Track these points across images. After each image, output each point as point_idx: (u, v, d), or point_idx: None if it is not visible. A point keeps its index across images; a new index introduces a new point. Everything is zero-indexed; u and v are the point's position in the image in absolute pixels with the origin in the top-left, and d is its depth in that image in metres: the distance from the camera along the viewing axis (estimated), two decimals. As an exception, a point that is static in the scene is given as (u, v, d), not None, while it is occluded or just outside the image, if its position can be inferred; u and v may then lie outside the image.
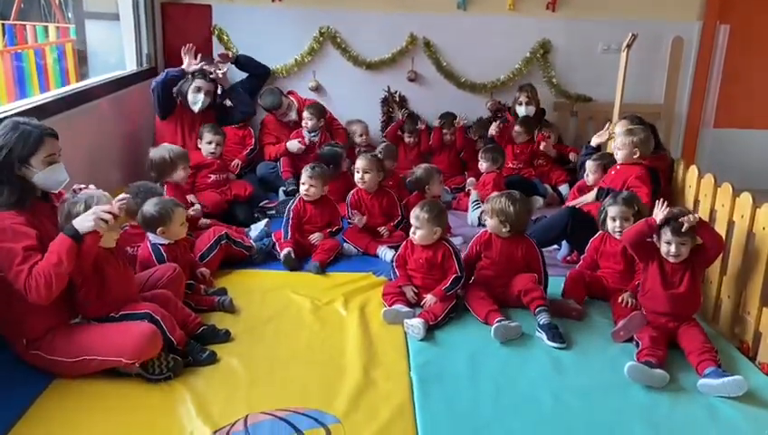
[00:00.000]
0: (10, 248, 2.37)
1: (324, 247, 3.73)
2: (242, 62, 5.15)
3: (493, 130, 5.15)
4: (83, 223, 2.43)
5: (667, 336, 2.87)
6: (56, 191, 2.63)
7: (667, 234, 2.90)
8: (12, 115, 3.06)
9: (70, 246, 2.39)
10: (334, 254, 3.76)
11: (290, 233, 3.75)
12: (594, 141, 4.45)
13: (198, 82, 4.57)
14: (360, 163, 3.96)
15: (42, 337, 2.51)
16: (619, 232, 3.28)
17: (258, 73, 5.23)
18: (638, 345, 2.83)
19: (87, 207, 2.50)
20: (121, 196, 2.61)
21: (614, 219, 3.32)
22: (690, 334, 2.85)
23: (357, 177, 3.97)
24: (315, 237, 3.78)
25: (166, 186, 3.72)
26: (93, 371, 2.50)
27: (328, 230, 3.87)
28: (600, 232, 3.45)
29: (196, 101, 4.55)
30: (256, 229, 3.95)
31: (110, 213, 2.44)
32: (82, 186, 2.79)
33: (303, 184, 3.83)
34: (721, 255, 3.26)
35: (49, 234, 2.47)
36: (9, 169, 2.44)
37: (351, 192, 4.05)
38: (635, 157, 3.77)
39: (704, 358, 2.71)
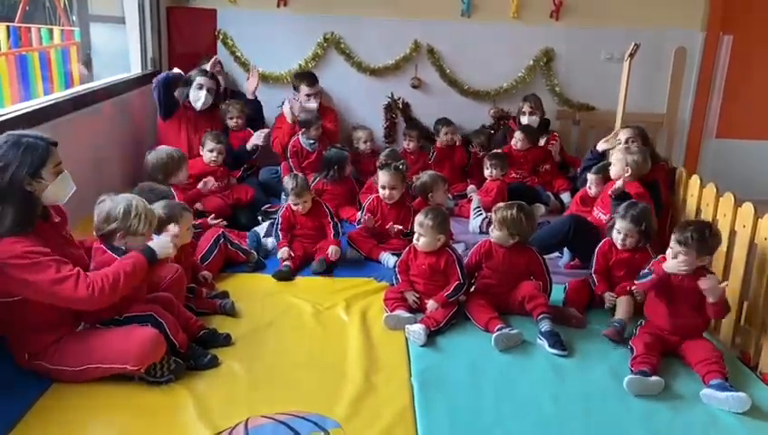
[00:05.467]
0: (37, 263, 2.29)
1: (325, 248, 3.71)
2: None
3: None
4: (165, 249, 2.59)
5: (661, 344, 2.87)
6: (64, 202, 2.57)
7: (675, 246, 2.84)
8: (12, 118, 3.09)
9: (143, 265, 2.50)
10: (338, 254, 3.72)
11: (281, 235, 3.78)
12: (600, 147, 4.43)
13: (200, 80, 4.55)
14: (386, 179, 3.90)
15: (45, 349, 2.48)
16: (622, 245, 3.30)
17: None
18: (632, 351, 2.84)
19: (126, 212, 2.58)
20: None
21: (619, 232, 3.31)
22: (696, 346, 2.84)
23: (382, 192, 3.93)
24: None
25: (173, 189, 3.72)
26: (98, 378, 2.49)
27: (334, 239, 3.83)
28: (606, 239, 3.41)
29: (198, 98, 4.53)
30: (261, 230, 3.99)
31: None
32: None
33: (296, 205, 3.79)
34: (723, 264, 3.28)
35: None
36: (18, 185, 2.32)
37: (370, 198, 4.05)
38: (626, 175, 3.76)
39: (712, 368, 2.69)
